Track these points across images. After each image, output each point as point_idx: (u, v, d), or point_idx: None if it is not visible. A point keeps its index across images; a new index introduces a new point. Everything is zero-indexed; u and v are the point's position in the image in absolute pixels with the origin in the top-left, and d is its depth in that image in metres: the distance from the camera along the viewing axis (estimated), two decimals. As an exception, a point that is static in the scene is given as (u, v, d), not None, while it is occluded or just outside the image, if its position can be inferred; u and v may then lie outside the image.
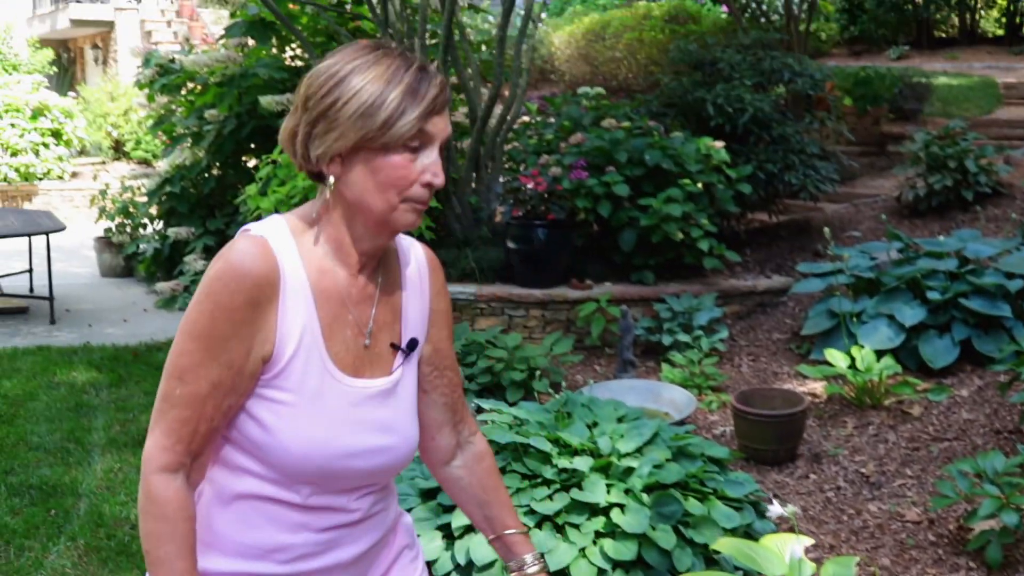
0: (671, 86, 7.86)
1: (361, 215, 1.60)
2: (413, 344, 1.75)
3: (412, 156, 1.57)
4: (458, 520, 3.52)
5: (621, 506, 3.55)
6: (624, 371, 6.07)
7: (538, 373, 5.80)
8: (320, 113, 1.55)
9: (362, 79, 1.53)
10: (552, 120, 8.10)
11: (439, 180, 1.60)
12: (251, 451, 1.62)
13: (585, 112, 7.85)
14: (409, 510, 3.80)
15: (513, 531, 1.90)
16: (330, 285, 1.64)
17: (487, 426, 4.10)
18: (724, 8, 14.99)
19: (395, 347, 1.73)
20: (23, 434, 5.52)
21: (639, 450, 3.88)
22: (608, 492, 3.59)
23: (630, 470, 3.72)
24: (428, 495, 3.81)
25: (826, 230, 5.87)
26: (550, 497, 3.60)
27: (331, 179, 1.59)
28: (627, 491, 3.63)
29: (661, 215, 6.65)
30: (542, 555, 1.96)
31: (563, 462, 3.71)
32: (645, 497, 3.58)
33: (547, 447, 3.78)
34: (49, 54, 18.87)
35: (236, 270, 1.54)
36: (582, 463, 3.68)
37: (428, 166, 1.59)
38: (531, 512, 3.52)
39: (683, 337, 6.29)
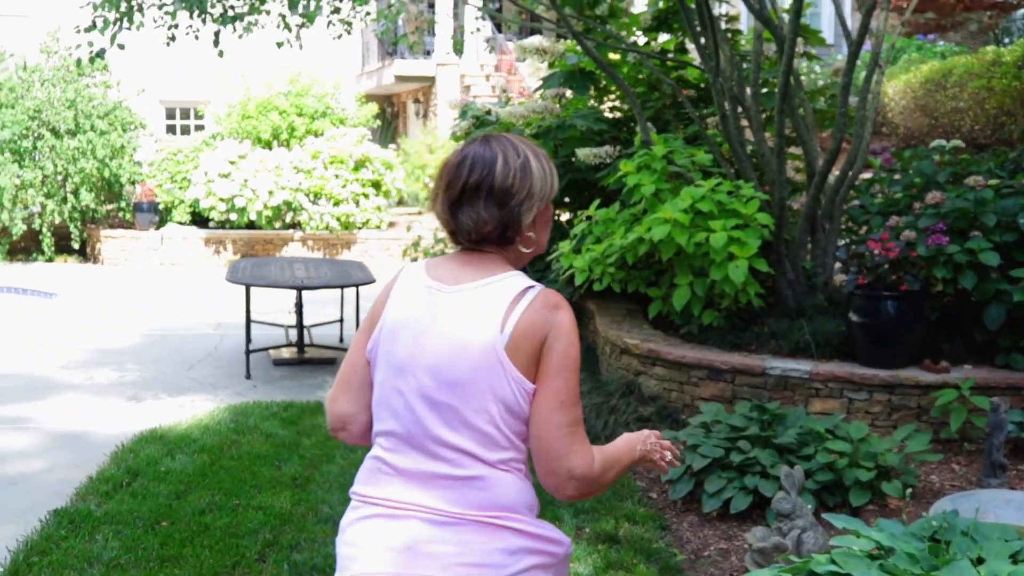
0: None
1: (533, 253, 2.25)
2: None
3: None
4: None
5: None
6: (992, 475, 5.10)
7: (888, 473, 4.95)
8: (529, 194, 2.16)
9: (535, 161, 2.19)
10: (898, 176, 7.18)
11: None
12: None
13: (939, 168, 6.89)
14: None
15: None
16: None
17: (837, 551, 3.33)
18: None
19: None
20: (314, 503, 5.20)
21: (1049, 604, 3.01)
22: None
23: (1040, 633, 2.86)
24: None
25: None
26: (932, 662, 2.80)
27: (533, 236, 2.22)
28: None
29: (1038, 289, 5.63)
30: None
31: (948, 614, 2.90)
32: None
33: (926, 592, 2.97)
34: (373, 108, 19.51)
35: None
36: (975, 619, 2.86)
37: None
38: None
39: (1066, 437, 5.24)
